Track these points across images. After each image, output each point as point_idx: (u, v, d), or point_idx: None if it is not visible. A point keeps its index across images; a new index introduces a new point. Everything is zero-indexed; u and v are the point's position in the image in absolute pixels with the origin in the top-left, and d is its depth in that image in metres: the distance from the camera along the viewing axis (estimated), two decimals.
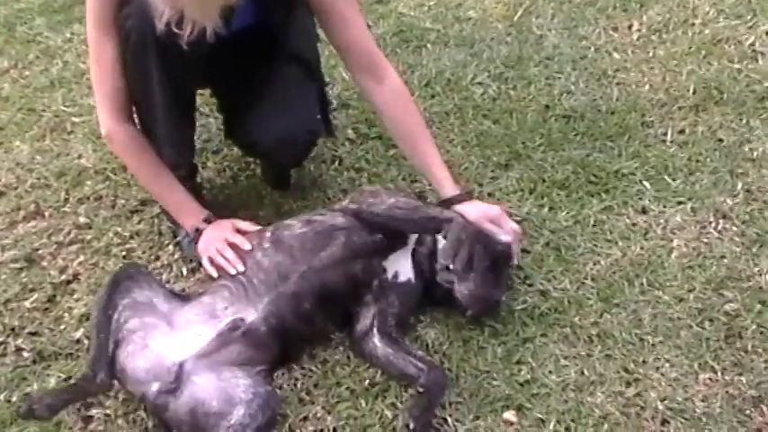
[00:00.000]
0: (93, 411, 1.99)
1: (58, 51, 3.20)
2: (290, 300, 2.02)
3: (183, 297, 2.11)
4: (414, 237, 2.19)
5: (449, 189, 2.20)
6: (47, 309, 2.25)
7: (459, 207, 2.16)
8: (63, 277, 2.32)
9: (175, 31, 1.89)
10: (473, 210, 2.16)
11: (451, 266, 2.09)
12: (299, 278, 2.03)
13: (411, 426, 1.88)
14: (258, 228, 2.20)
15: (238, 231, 2.17)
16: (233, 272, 2.07)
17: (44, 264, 2.36)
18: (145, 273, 2.14)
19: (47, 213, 2.52)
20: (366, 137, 2.75)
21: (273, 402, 1.93)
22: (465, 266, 2.09)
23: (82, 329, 2.17)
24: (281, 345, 2.03)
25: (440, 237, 2.17)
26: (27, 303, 2.25)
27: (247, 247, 2.10)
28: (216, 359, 1.95)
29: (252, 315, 2.00)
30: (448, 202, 2.18)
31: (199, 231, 2.21)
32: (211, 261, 2.13)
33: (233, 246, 2.12)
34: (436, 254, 2.17)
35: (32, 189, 2.60)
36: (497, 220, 2.16)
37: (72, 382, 2.01)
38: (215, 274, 2.11)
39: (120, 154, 2.26)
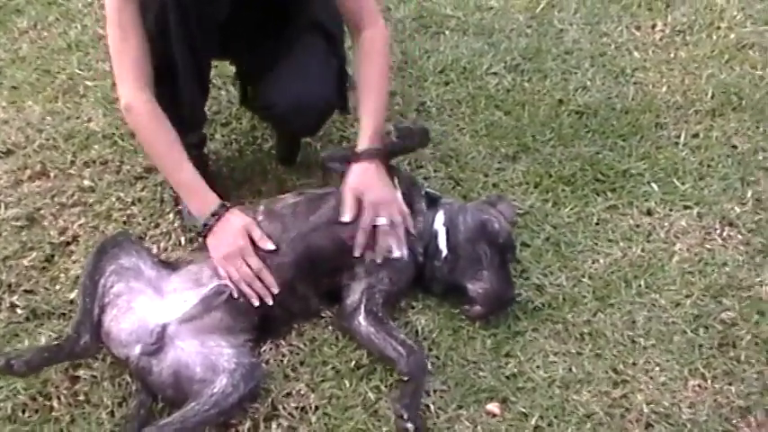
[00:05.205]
0: (81, 372, 2.00)
1: (77, 15, 3.21)
2: (276, 270, 2.03)
3: (171, 265, 2.11)
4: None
5: (362, 142, 2.16)
6: (44, 268, 2.26)
7: (354, 166, 2.14)
8: (62, 238, 2.33)
9: None
10: (357, 178, 2.13)
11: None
12: (288, 247, 2.05)
13: (405, 416, 1.87)
14: (268, 243, 2.07)
15: (251, 240, 2.06)
16: (256, 303, 2.02)
17: (45, 224, 2.37)
18: (133, 241, 2.14)
19: (52, 174, 2.52)
20: None
21: (257, 374, 1.94)
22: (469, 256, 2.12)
23: (77, 291, 2.16)
24: (263, 313, 2.04)
25: (438, 223, 2.18)
26: (25, 261, 2.26)
27: (268, 278, 2.03)
28: (199, 325, 1.96)
29: None
30: (354, 156, 2.16)
31: (208, 227, 2.07)
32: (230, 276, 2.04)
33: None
34: (432, 240, 2.18)
35: (40, 149, 2.60)
36: (366, 199, 2.10)
37: (55, 342, 2.01)
38: (234, 294, 2.02)
39: (138, 125, 2.11)
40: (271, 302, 2.02)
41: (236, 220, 2.07)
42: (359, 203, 2.10)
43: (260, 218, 2.10)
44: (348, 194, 2.12)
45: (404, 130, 2.32)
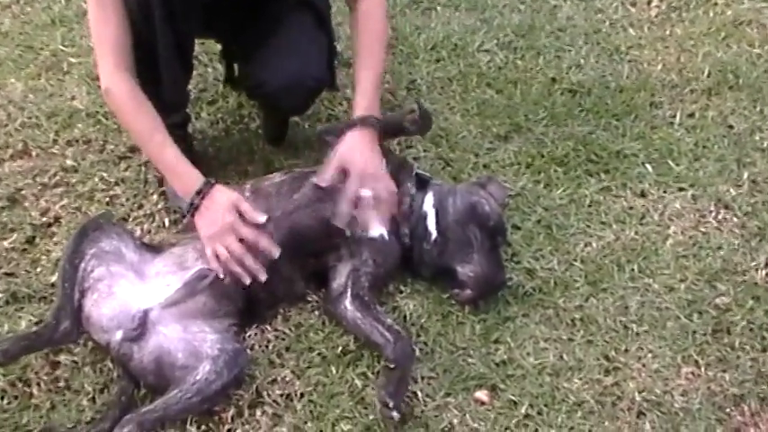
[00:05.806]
0: (61, 357, 1.96)
1: None
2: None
3: (155, 248, 2.06)
4: None
5: (357, 111, 2.11)
6: (25, 250, 2.21)
7: (348, 134, 2.08)
8: (44, 219, 2.28)
9: None
10: (348, 146, 2.08)
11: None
12: (272, 226, 2.00)
13: (390, 404, 1.83)
14: (259, 215, 2.00)
15: (240, 215, 1.99)
16: (247, 282, 1.96)
17: (26, 204, 2.32)
18: (115, 224, 2.09)
19: (34, 153, 2.47)
20: None
21: (241, 360, 1.90)
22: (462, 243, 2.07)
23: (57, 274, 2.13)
24: (247, 296, 2.00)
25: (427, 205, 2.14)
26: (5, 243, 2.21)
27: (266, 245, 1.98)
28: (182, 310, 1.92)
29: None
30: (349, 124, 2.12)
31: (194, 206, 2.01)
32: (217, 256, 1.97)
33: (245, 242, 1.97)
34: (420, 223, 2.13)
35: (22, 128, 2.55)
36: (354, 169, 2.05)
37: (33, 329, 1.97)
38: (221, 275, 1.96)
39: (119, 108, 2.07)
40: (264, 279, 1.96)
41: (222, 196, 2.00)
42: (342, 172, 2.05)
43: (246, 195, 2.06)
44: (333, 160, 2.07)
45: (424, 112, 2.21)
